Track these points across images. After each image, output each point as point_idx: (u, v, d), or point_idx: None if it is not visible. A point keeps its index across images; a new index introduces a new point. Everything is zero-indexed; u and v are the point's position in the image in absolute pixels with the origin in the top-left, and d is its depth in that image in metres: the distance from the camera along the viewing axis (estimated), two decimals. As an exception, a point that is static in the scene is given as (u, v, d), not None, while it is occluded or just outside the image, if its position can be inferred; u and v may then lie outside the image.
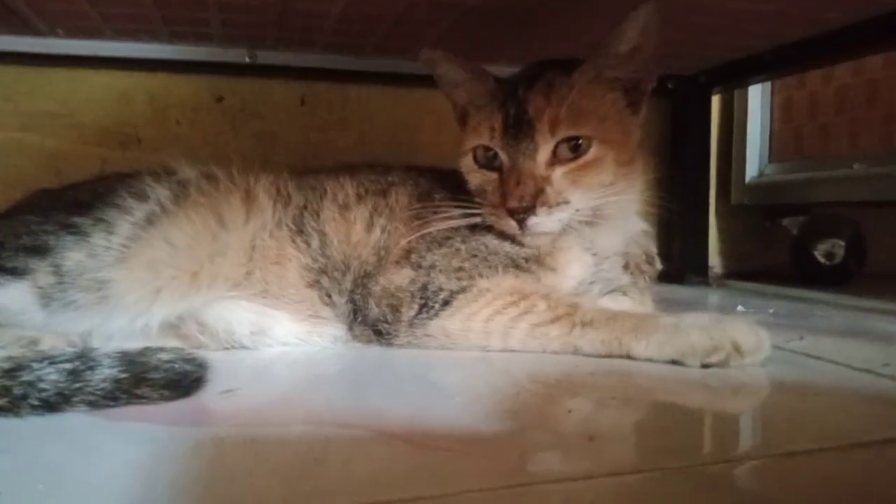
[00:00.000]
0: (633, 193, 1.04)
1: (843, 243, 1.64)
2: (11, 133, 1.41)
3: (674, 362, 0.84)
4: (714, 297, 1.59)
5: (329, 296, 0.98)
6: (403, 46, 1.38)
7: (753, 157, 1.76)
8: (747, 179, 1.77)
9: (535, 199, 0.94)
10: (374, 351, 0.96)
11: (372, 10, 1.14)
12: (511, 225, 0.96)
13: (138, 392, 0.68)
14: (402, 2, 1.10)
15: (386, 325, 0.95)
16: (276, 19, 1.19)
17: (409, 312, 0.94)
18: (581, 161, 0.95)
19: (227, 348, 0.94)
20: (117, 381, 0.68)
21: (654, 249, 1.15)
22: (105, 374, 0.67)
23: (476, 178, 1.02)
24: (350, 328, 0.98)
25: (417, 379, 0.86)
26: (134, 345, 0.78)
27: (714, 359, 0.82)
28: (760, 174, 1.76)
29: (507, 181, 0.96)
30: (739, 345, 0.82)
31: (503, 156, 0.98)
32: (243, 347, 0.95)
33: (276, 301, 0.95)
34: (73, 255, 0.86)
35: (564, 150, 0.96)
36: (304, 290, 0.97)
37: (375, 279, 0.98)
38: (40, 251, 0.88)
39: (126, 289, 0.86)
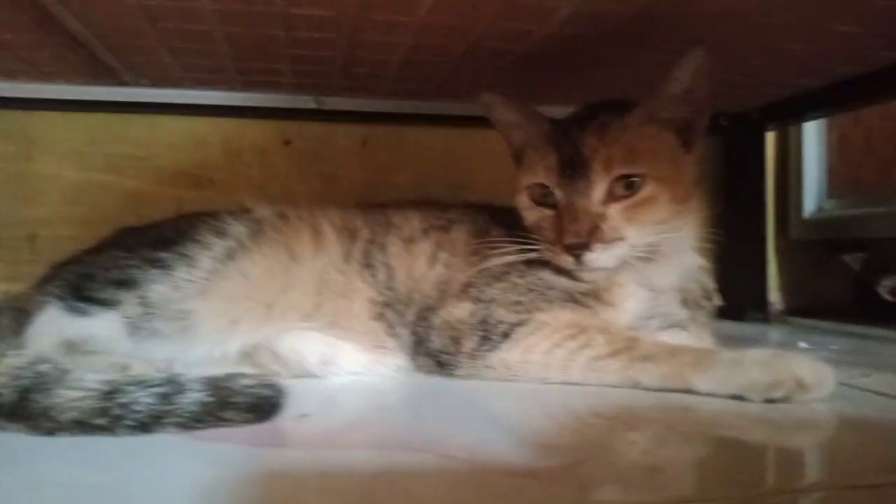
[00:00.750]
0: (689, 230, 1.06)
1: (907, 279, 1.61)
2: (96, 174, 1.52)
3: (735, 397, 0.84)
4: (774, 333, 1.57)
5: (393, 328, 1.02)
6: (459, 90, 1.44)
7: (811, 193, 1.75)
8: (805, 215, 1.75)
9: (591, 236, 0.96)
10: (436, 381, 0.99)
11: (430, 57, 1.20)
12: (567, 260, 0.99)
13: (223, 415, 0.73)
14: (459, 49, 1.16)
15: (447, 357, 0.98)
16: (342, 68, 1.26)
17: (469, 344, 0.98)
18: (636, 198, 0.98)
19: (297, 376, 0.99)
20: (204, 404, 0.72)
21: (711, 285, 1.15)
22: (193, 397, 0.73)
23: (532, 214, 1.06)
24: (413, 359, 1.02)
25: (478, 409, 0.89)
26: (213, 371, 0.83)
27: (777, 394, 0.82)
28: (818, 209, 1.75)
29: (562, 218, 0.99)
30: (802, 380, 0.82)
31: (558, 193, 1.02)
32: (312, 376, 0.99)
33: (344, 332, 1.00)
34: (159, 288, 0.92)
35: (619, 188, 0.98)
36: (370, 322, 1.02)
37: (437, 312, 1.02)
38: (127, 284, 0.95)
39: (206, 319, 0.92)
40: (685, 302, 1.10)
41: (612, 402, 0.87)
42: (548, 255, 1.02)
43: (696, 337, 1.06)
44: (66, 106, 1.47)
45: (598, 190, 0.98)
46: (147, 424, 0.71)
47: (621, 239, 0.98)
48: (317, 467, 0.65)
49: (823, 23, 1.06)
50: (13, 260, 1.49)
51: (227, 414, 0.73)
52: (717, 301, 1.16)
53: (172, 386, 0.73)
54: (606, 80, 1.28)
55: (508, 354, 0.96)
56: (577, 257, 0.97)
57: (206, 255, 0.94)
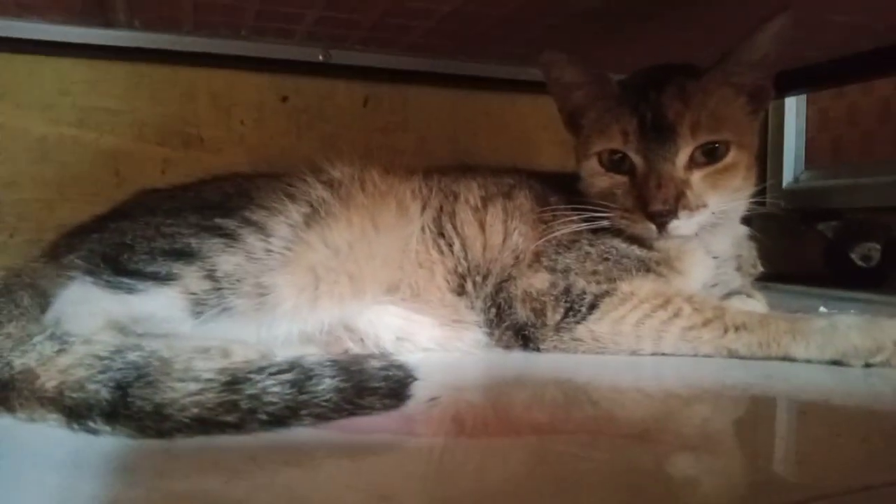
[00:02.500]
0: (747, 198, 1.07)
1: (878, 246, 1.72)
2: (67, 129, 1.32)
3: (834, 363, 0.86)
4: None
5: (472, 300, 0.96)
6: (487, 49, 1.37)
7: (789, 164, 1.83)
8: (784, 185, 1.83)
9: (678, 203, 0.94)
10: (517, 356, 0.95)
11: (481, 9, 1.12)
12: (650, 228, 0.96)
13: (363, 402, 0.64)
14: (517, 2, 1.09)
15: (533, 330, 0.94)
16: (379, 17, 1.15)
17: (554, 316, 0.93)
18: (720, 165, 0.97)
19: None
20: (340, 391, 0.64)
21: (755, 253, 1.17)
22: (327, 384, 0.64)
23: (603, 181, 1.02)
24: (492, 333, 0.96)
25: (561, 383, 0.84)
26: (286, 353, 0.74)
27: (878, 358, 0.83)
28: (796, 180, 1.83)
29: (645, 184, 0.96)
30: (900, 344, 0.84)
31: (637, 159, 0.98)
32: (386, 353, 0.92)
33: (423, 306, 0.93)
34: (230, 259, 0.81)
35: (699, 155, 0.97)
36: (449, 295, 0.95)
37: (515, 282, 0.96)
38: (184, 255, 0.83)
39: (288, 294, 0.82)
40: (740, 269, 1.11)
41: (703, 373, 0.87)
42: (622, 224, 0.99)
43: (760, 304, 1.08)
44: (32, 48, 1.26)
45: (683, 156, 0.96)
46: (282, 418, 0.61)
47: (704, 206, 0.96)
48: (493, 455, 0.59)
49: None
50: (-33, 227, 1.28)
51: (368, 401, 0.65)
52: (760, 268, 1.18)
53: (300, 372, 0.64)
54: (657, 42, 1.25)
55: (597, 326, 0.92)
56: (663, 225, 0.95)
57: (282, 222, 0.83)
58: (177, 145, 1.39)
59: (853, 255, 1.74)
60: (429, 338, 0.93)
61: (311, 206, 0.85)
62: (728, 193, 0.98)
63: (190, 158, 1.39)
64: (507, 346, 0.96)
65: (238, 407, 0.60)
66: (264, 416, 0.61)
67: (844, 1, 1.11)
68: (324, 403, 0.63)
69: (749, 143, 1.01)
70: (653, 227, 0.95)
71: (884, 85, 1.64)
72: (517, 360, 0.93)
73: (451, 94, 1.60)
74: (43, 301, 0.84)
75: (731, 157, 0.97)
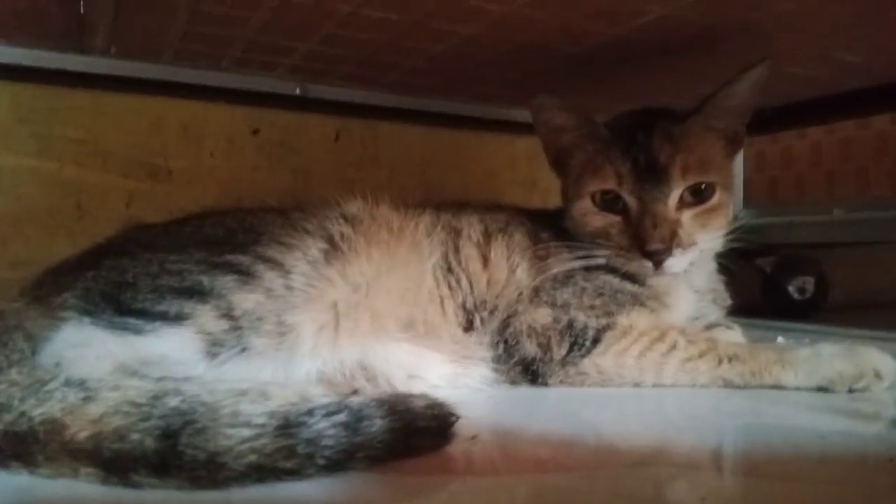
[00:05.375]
0: (723, 235, 1.13)
1: (812, 280, 1.86)
2: (26, 159, 1.24)
3: (820, 389, 0.92)
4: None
5: (480, 336, 0.96)
6: (462, 89, 1.40)
7: (729, 203, 1.95)
8: (723, 222, 1.95)
9: (672, 241, 0.99)
10: (524, 391, 0.95)
11: (471, 51, 1.15)
12: (646, 266, 1.00)
13: (414, 442, 0.64)
14: (508, 46, 1.13)
15: (540, 365, 0.95)
16: (370, 54, 1.16)
17: (560, 351, 0.95)
18: (707, 205, 1.02)
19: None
20: (392, 431, 0.62)
21: (723, 286, 1.24)
22: (379, 425, 0.62)
23: (597, 220, 1.05)
24: (499, 368, 0.97)
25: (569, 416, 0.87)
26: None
27: (860, 384, 0.90)
28: (735, 219, 1.95)
29: (641, 224, 1.00)
30: (879, 370, 0.91)
31: (631, 200, 1.02)
32: (395, 391, 0.90)
33: (435, 342, 0.92)
34: (249, 297, 0.78)
35: (688, 195, 1.02)
36: (458, 332, 0.95)
37: (519, 318, 0.98)
38: (195, 293, 0.79)
39: (309, 332, 0.79)
40: (715, 302, 1.18)
41: (702, 402, 0.91)
42: (618, 261, 1.03)
43: (738, 335, 1.14)
44: (-13, 71, 1.18)
45: (675, 197, 1.01)
46: (340, 462, 0.59)
47: (695, 244, 1.01)
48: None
49: (827, 52, 1.20)
50: None
51: (418, 440, 0.64)
52: (729, 301, 1.25)
53: (350, 413, 0.62)
54: (629, 86, 1.32)
55: (601, 360, 0.95)
56: (658, 263, 0.99)
57: (300, 258, 0.81)
58: (143, 177, 1.33)
59: (790, 288, 1.87)
60: (439, 375, 0.93)
61: (331, 241, 0.84)
62: (713, 231, 1.04)
63: (157, 191, 1.33)
64: (514, 382, 0.97)
65: (296, 452, 0.58)
66: (322, 461, 0.59)
67: (801, 56, 1.21)
68: (378, 445, 0.61)
69: (730, 184, 1.08)
70: (649, 264, 0.99)
71: (815, 132, 1.80)
72: (526, 396, 0.94)
73: (421, 131, 1.62)
74: (31, 344, 0.78)
75: (716, 197, 1.03)
